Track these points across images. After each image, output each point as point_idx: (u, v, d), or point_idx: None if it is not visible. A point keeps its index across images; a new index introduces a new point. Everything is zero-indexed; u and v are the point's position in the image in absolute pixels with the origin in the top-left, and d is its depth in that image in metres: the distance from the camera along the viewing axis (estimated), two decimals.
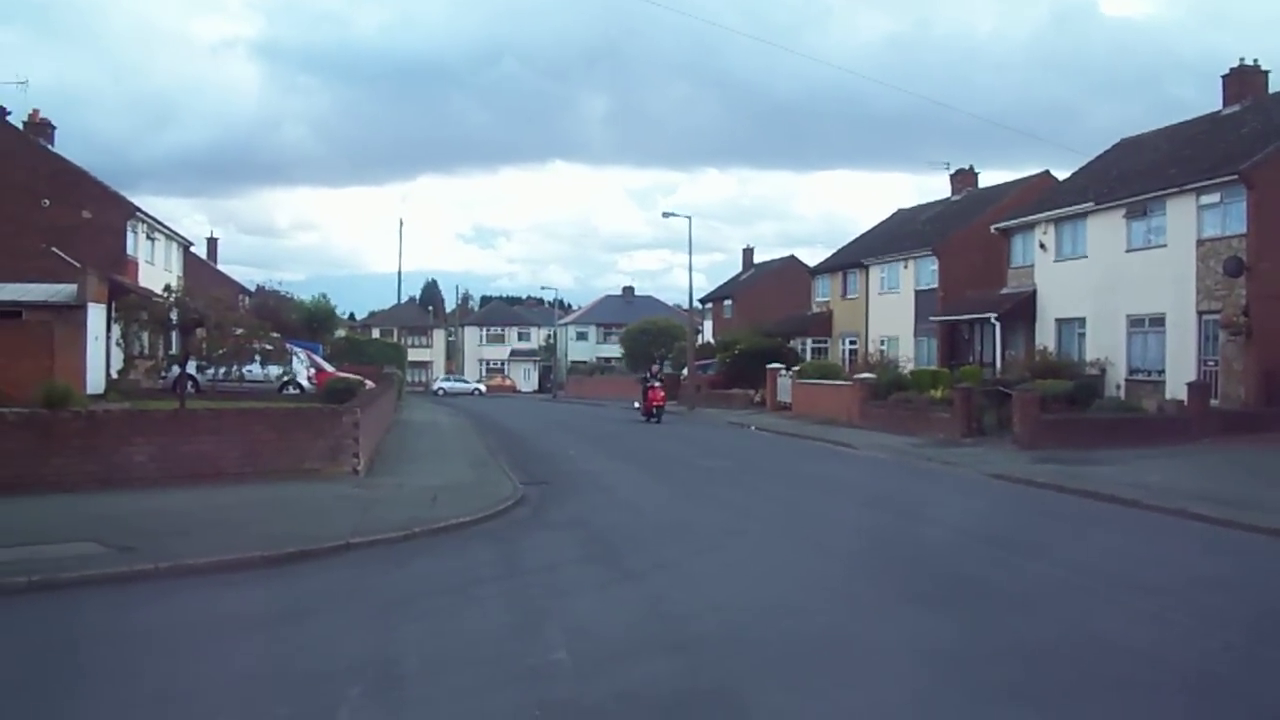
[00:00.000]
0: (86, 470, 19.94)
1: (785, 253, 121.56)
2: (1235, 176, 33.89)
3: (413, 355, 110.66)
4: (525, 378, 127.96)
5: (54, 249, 41.77)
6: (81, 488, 19.36)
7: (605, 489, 23.76)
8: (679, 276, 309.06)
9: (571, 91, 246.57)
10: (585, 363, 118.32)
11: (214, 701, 8.59)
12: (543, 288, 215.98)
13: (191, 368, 30.90)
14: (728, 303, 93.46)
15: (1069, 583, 13.07)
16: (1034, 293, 44.89)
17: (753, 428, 44.44)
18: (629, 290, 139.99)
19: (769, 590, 12.79)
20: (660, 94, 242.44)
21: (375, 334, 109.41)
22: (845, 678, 9.21)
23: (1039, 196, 49.48)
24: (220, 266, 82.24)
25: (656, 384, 49.92)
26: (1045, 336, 43.52)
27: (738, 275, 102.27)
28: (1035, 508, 20.84)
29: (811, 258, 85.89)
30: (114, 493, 19.16)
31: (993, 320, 46.13)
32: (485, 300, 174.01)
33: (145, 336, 36.79)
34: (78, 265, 39.21)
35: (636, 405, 52.04)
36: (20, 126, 46.94)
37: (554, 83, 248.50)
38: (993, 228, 48.67)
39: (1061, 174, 53.62)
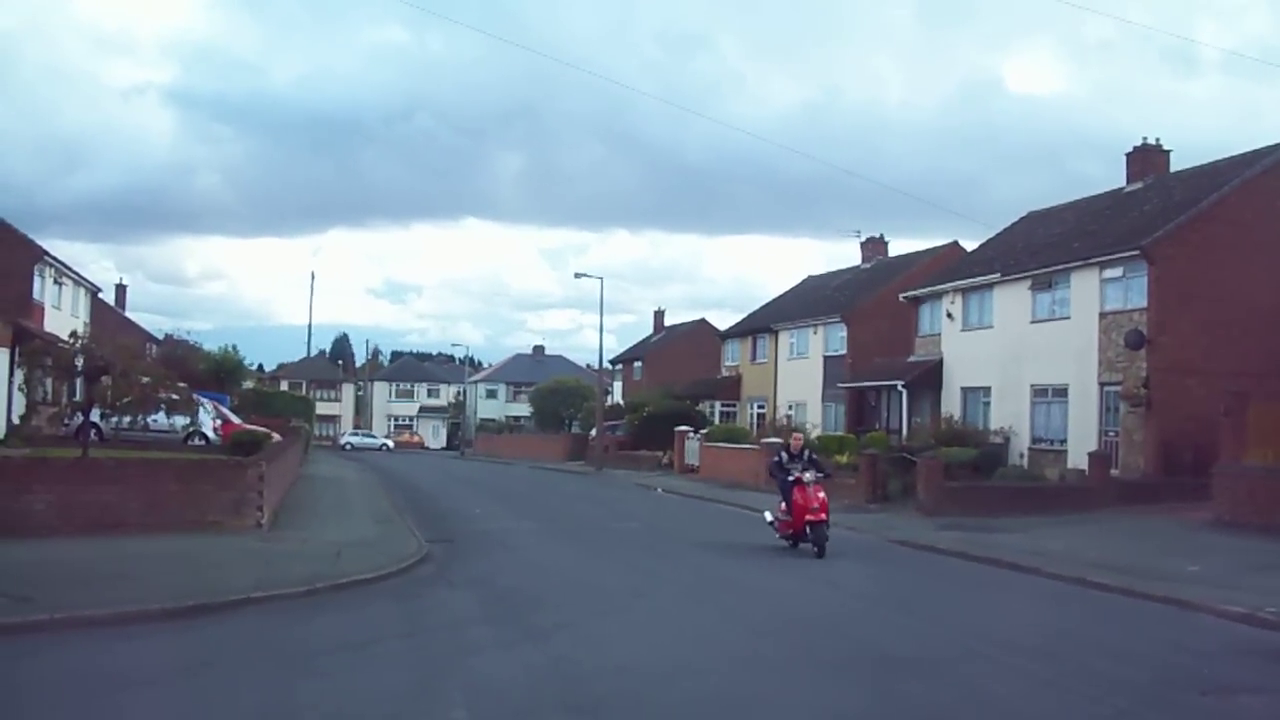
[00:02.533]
0: None
1: (695, 315, 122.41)
2: (1137, 252, 34.67)
3: (321, 409, 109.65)
4: (434, 434, 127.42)
5: None
6: None
7: (511, 548, 23.67)
8: (589, 336, 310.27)
9: (485, 149, 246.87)
10: (494, 421, 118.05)
11: None
12: (454, 345, 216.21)
13: (96, 416, 30.46)
14: (638, 364, 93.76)
15: (969, 648, 13.21)
16: (940, 361, 45.48)
17: (660, 490, 44.49)
18: (539, 349, 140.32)
19: (673, 652, 12.80)
20: (573, 155, 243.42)
21: (284, 386, 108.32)
22: None
23: (947, 266, 50.30)
24: (128, 314, 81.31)
25: (815, 477, 23.25)
26: (951, 404, 44.03)
27: (648, 337, 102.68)
28: (938, 574, 21.09)
29: (721, 321, 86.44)
30: (11, 541, 18.70)
31: (900, 387, 46.65)
32: (395, 355, 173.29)
33: (49, 383, 36.24)
34: None
35: (771, 519, 24.65)
36: None
37: (468, 140, 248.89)
38: (901, 296, 49.32)
39: (969, 245, 54.59)
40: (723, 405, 66.79)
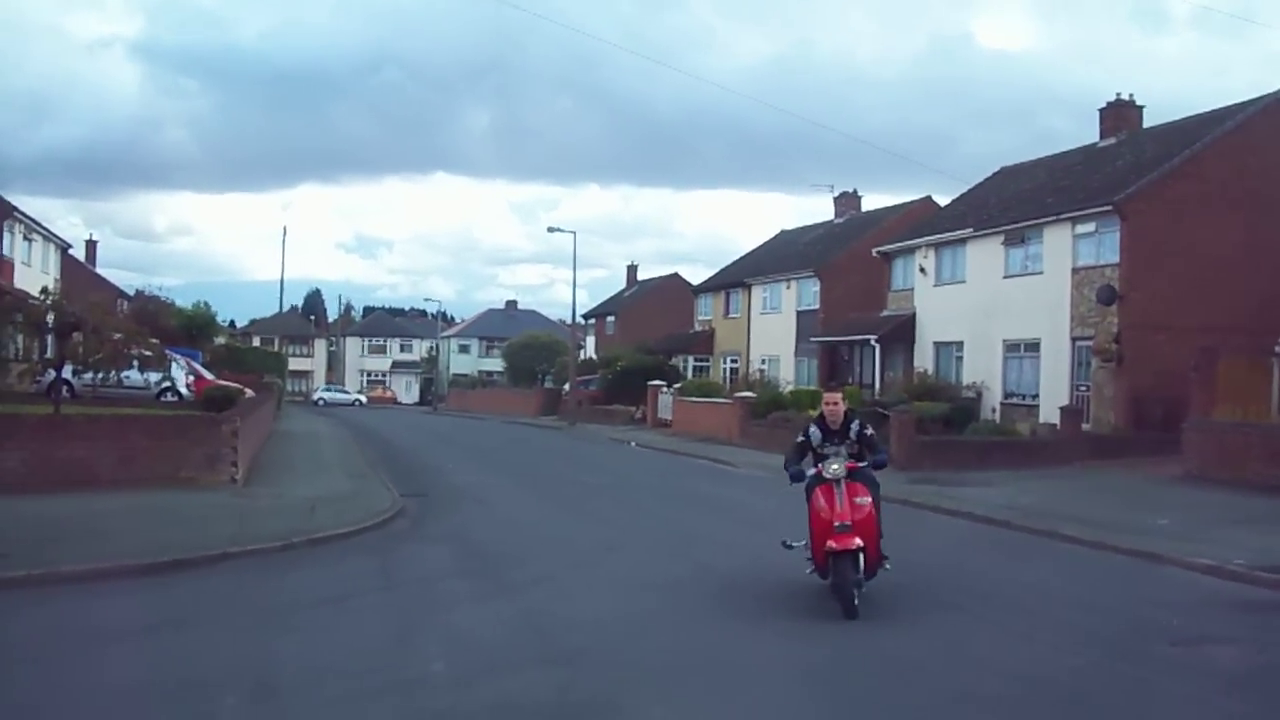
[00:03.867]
0: None
1: (666, 269, 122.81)
2: (1110, 207, 34.72)
3: (294, 365, 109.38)
4: (406, 390, 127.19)
5: None
6: None
7: (484, 503, 23.77)
8: (560, 291, 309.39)
9: (455, 103, 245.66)
10: (467, 376, 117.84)
11: (87, 712, 8.53)
12: (426, 299, 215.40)
13: (68, 372, 30.36)
14: (610, 319, 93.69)
15: (942, 601, 13.33)
16: (914, 316, 45.57)
17: (633, 444, 44.62)
18: (512, 304, 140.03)
19: (646, 604, 12.90)
20: (543, 108, 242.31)
21: (256, 342, 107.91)
22: (719, 689, 9.37)
23: (920, 221, 50.26)
24: (99, 270, 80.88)
25: (836, 472, 12.80)
26: (924, 359, 44.16)
27: (621, 292, 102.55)
28: (911, 527, 21.15)
29: (692, 275, 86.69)
30: None
31: (873, 342, 46.72)
32: (368, 311, 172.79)
33: (20, 339, 36.10)
34: None
35: (797, 548, 13.63)
36: None
37: (437, 93, 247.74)
38: (874, 251, 49.30)
39: (942, 200, 54.62)
40: (696, 360, 66.84)
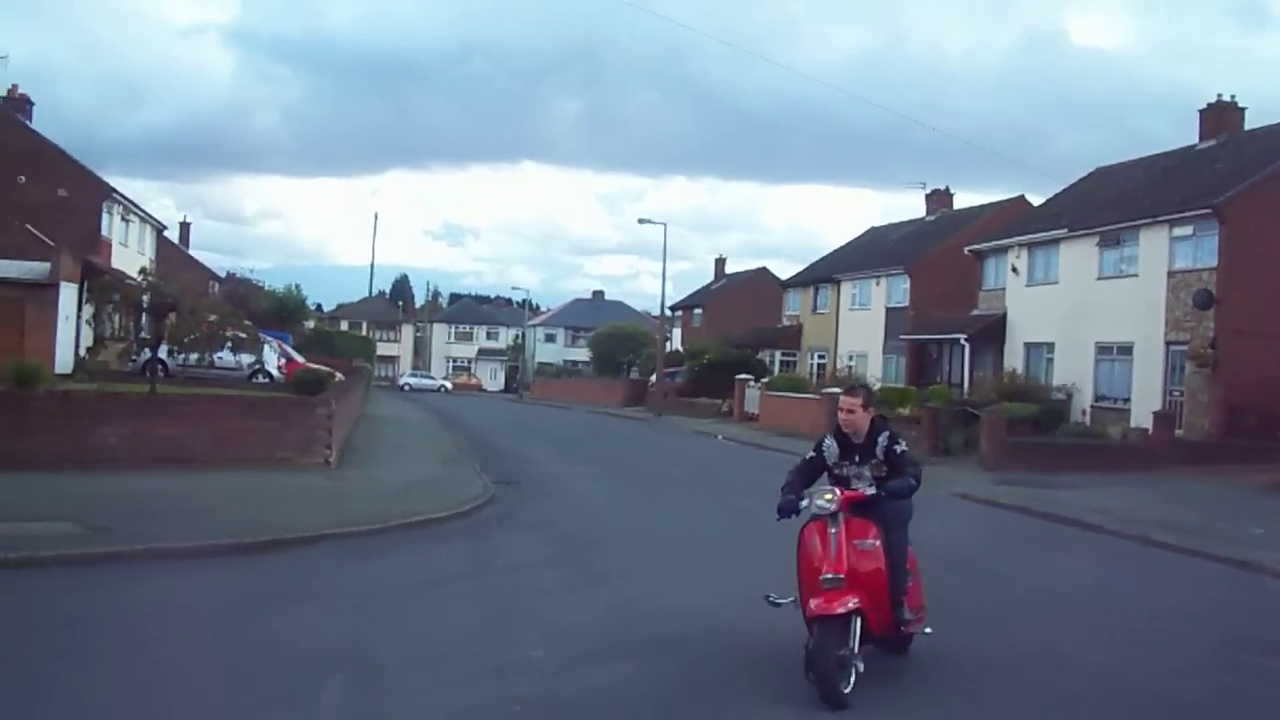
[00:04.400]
0: (59, 450, 19.94)
1: (752, 264, 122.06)
2: (1209, 210, 34.23)
3: (381, 350, 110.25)
4: (491, 377, 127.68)
5: (28, 226, 41.49)
6: (53, 467, 19.35)
7: (573, 492, 23.86)
8: (645, 283, 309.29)
9: (543, 92, 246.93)
10: (552, 365, 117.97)
11: (196, 686, 8.65)
12: (513, 288, 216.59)
13: (163, 352, 30.85)
14: (697, 311, 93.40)
15: (1033, 603, 13.27)
16: (1004, 316, 45.18)
17: (720, 437, 44.58)
18: (599, 294, 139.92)
19: (736, 597, 12.89)
20: (631, 99, 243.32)
21: (343, 326, 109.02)
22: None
23: (1012, 220, 49.87)
24: (191, 252, 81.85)
25: (826, 505, 9.37)
26: (1014, 359, 43.75)
27: (708, 284, 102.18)
28: (1000, 529, 21.07)
29: (779, 270, 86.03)
30: (86, 473, 19.20)
31: (962, 341, 46.40)
32: (455, 298, 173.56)
33: (117, 318, 36.68)
34: (51, 244, 38.95)
35: (785, 604, 9.93)
36: None
37: (525, 83, 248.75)
38: (966, 249, 48.95)
39: (1035, 199, 54.09)
40: (783, 354, 66.71)
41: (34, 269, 36.92)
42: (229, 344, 32.85)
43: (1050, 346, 42.04)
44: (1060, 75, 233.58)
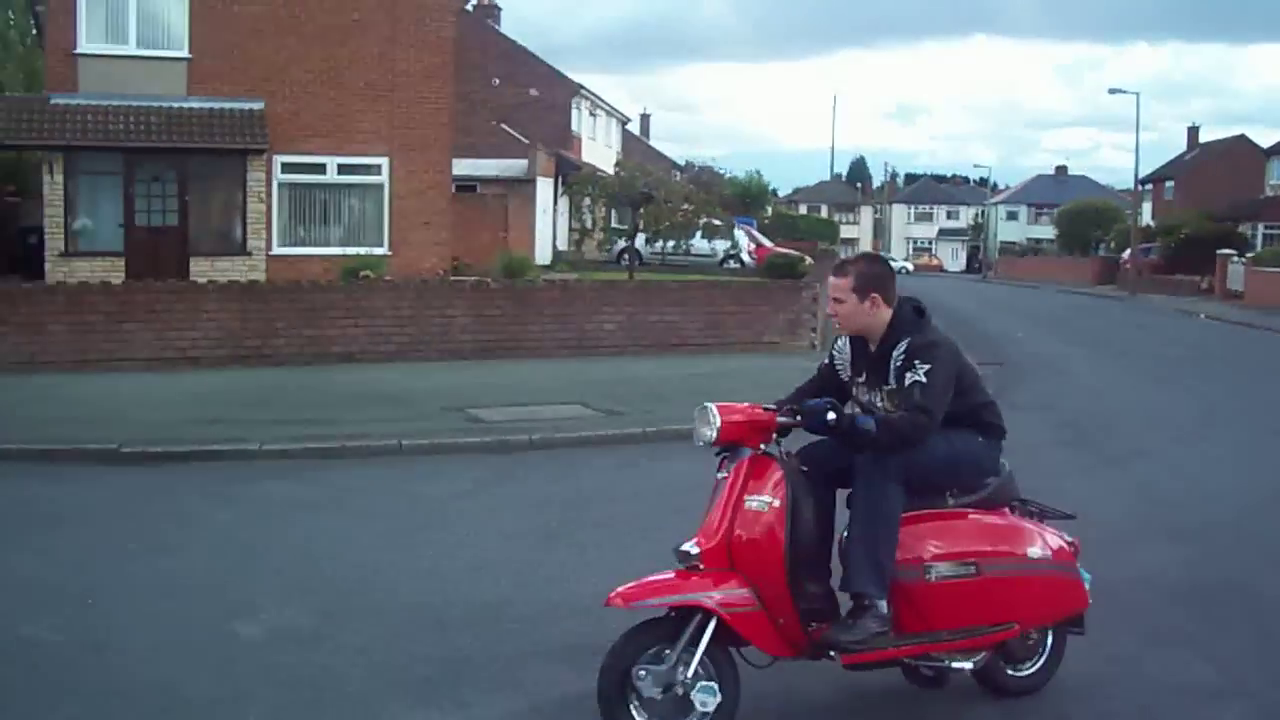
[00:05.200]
0: (560, 337, 20.94)
1: (1225, 131, 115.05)
2: None
3: (842, 232, 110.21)
4: (953, 257, 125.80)
5: (504, 126, 43.35)
6: (556, 354, 20.37)
7: (1063, 372, 22.99)
8: (1106, 155, 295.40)
9: None
10: (1015, 243, 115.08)
11: None
12: (975, 165, 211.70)
13: (640, 241, 31.63)
14: (1169, 184, 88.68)
15: None
16: None
17: (1203, 315, 42.23)
18: (1061, 170, 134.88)
19: (1261, 482, 12.05)
20: None
21: (802, 210, 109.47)
22: None
23: None
24: (651, 143, 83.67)
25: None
26: None
27: (1179, 155, 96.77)
28: None
29: (1259, 137, 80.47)
30: (585, 359, 20.14)
31: None
32: (911, 178, 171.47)
33: (593, 211, 37.91)
34: (526, 141, 40.68)
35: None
36: (469, 8, 48.80)
37: None
38: None
39: None
40: (1266, 228, 62.31)
41: (512, 166, 38.66)
42: (700, 231, 33.41)
43: None
44: None
